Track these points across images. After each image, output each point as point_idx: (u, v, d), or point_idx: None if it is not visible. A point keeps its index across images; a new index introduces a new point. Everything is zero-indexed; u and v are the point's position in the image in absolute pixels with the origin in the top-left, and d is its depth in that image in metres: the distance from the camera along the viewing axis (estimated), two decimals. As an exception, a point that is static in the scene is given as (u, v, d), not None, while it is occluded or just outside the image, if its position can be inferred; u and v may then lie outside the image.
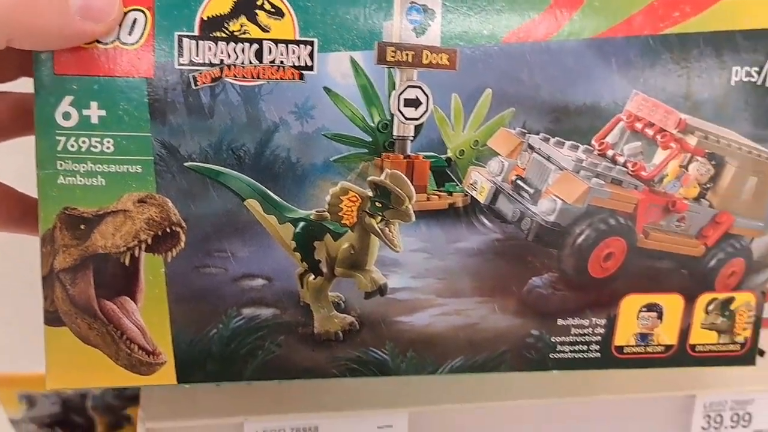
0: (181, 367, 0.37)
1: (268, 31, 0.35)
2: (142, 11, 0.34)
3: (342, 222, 0.38)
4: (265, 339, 0.38)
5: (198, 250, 0.37)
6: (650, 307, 0.42)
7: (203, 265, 0.37)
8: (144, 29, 0.34)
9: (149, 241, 0.36)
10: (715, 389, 0.45)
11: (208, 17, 0.35)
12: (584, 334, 0.42)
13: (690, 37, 0.38)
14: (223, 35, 0.35)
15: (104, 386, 0.39)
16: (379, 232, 0.38)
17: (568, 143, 0.39)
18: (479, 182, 0.39)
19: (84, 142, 0.35)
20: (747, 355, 0.44)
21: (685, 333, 0.43)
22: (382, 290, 0.39)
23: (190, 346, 0.38)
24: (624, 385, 0.47)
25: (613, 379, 0.48)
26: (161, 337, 0.37)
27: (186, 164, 0.36)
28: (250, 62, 0.35)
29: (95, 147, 0.35)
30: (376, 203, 0.38)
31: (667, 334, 0.42)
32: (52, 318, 0.37)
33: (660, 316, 0.42)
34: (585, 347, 0.42)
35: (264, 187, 0.36)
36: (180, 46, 0.34)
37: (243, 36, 0.35)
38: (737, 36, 0.39)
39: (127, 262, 0.36)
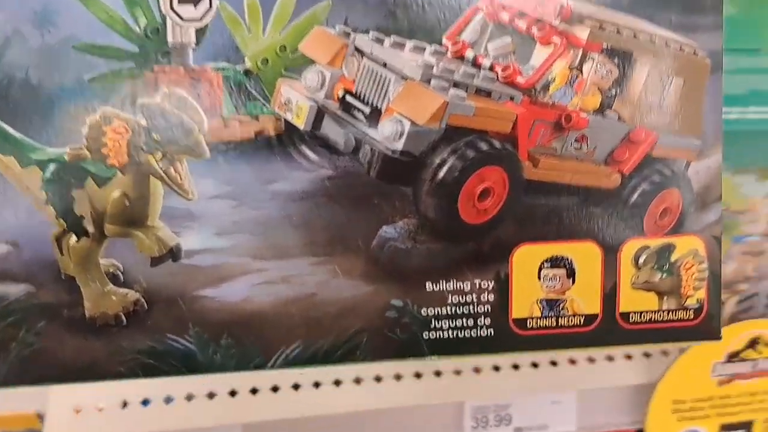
0: None
1: None
2: None
3: (108, 161, 0.29)
4: (18, 326, 0.29)
5: None
6: (555, 262, 0.31)
7: None
8: None
9: None
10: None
11: None
12: (466, 303, 0.31)
13: None
14: None
15: None
16: (161, 173, 0.29)
17: (410, 44, 0.29)
18: (294, 101, 0.29)
19: None
20: (705, 326, 0.32)
21: (611, 297, 0.31)
22: (174, 253, 0.30)
23: None
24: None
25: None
26: None
27: None
28: None
29: None
30: (153, 135, 0.28)
31: (584, 299, 0.31)
32: None
33: (571, 274, 0.31)
34: (471, 321, 0.31)
35: None
36: None
37: None
38: None
39: None
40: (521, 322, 0.31)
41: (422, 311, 0.31)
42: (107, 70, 0.28)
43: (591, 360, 0.42)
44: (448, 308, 0.31)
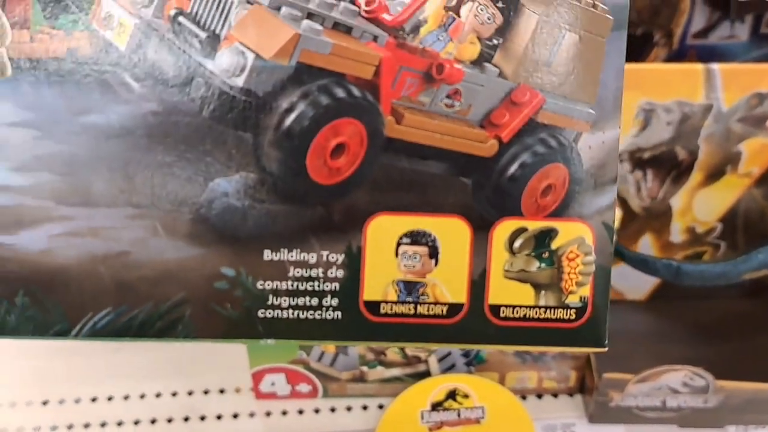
0: None
1: None
2: None
3: None
4: None
5: None
6: (416, 238, 0.27)
7: None
8: None
9: None
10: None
11: None
12: (312, 279, 0.26)
13: None
14: None
15: None
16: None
17: None
18: (116, 16, 0.25)
19: None
20: (588, 330, 0.27)
21: (479, 285, 0.27)
22: None
23: None
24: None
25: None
26: None
27: None
28: None
29: None
30: None
31: (448, 284, 0.27)
32: None
33: (434, 254, 0.26)
34: (315, 300, 0.27)
35: None
36: None
37: None
38: None
39: None
40: (374, 306, 0.27)
41: (258, 284, 0.27)
42: None
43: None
44: (289, 283, 0.27)
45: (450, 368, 0.45)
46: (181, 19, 0.28)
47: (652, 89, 0.39)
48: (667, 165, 0.43)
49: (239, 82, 0.27)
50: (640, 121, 0.40)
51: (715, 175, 0.42)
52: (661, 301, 0.49)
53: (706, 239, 0.46)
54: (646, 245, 0.46)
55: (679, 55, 0.43)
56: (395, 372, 0.46)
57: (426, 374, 0.46)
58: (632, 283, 0.49)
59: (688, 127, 0.41)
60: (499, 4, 0.29)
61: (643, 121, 0.40)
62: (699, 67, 0.40)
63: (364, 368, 0.45)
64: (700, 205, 0.44)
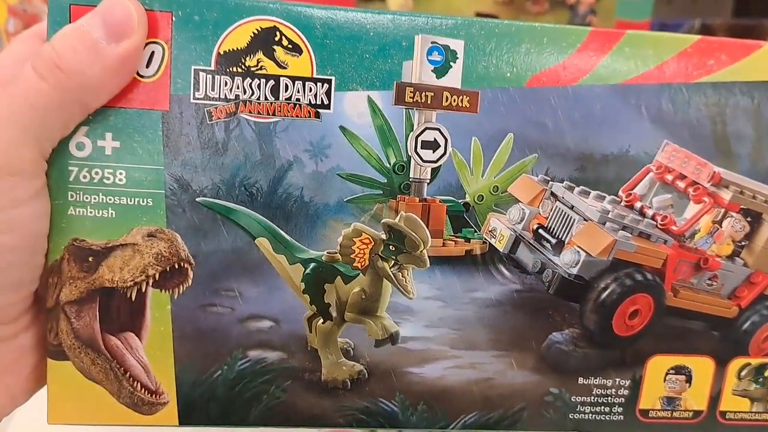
0: (184, 408, 0.37)
1: (285, 68, 0.34)
2: (160, 44, 0.34)
3: (354, 265, 0.35)
4: (270, 383, 0.36)
5: (205, 287, 0.35)
6: (678, 370, 0.38)
7: (210, 303, 0.35)
8: (161, 62, 0.34)
9: (157, 276, 0.35)
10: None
11: (224, 52, 0.33)
12: (606, 395, 0.38)
13: (725, 86, 0.36)
14: (240, 70, 0.34)
15: (105, 424, 0.36)
16: (392, 276, 0.35)
17: (593, 193, 0.36)
18: (498, 230, 0.36)
19: (97, 173, 0.34)
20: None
21: (715, 399, 0.39)
22: (393, 338, 0.36)
23: (194, 387, 0.36)
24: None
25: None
26: (165, 377, 0.36)
27: (198, 200, 0.35)
28: (266, 98, 0.34)
29: (107, 179, 0.34)
30: (390, 247, 0.36)
31: (695, 399, 0.39)
32: (55, 351, 0.36)
33: (689, 380, 0.38)
34: (607, 409, 0.38)
35: (275, 226, 0.35)
36: (196, 80, 0.34)
37: (259, 72, 0.34)
38: (777, 87, 0.35)
39: (133, 297, 0.35)
40: (644, 412, 0.39)
41: (572, 398, 0.39)
42: (362, 194, 0.36)
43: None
44: (592, 398, 0.38)
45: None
46: (540, 230, 0.39)
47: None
48: None
49: (575, 271, 0.39)
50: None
51: None
52: None
53: None
54: None
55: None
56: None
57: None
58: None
59: None
60: (748, 219, 0.40)
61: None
62: None
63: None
64: None
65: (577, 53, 0.38)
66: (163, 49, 0.35)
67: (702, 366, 0.42)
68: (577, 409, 0.41)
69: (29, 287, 0.36)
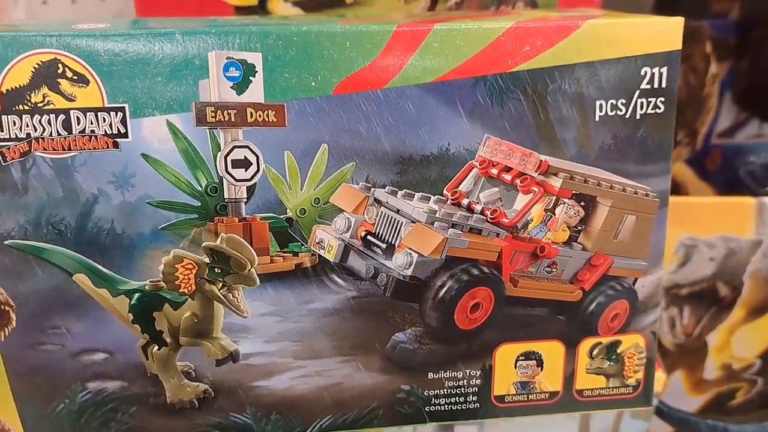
0: (30, 444, 0.35)
1: (73, 100, 0.33)
2: (-62, 89, 0.31)
3: (180, 291, 0.35)
4: (116, 411, 0.37)
5: (30, 327, 0.36)
6: (528, 356, 0.39)
7: (38, 342, 0.36)
8: (-58, 108, 0.31)
9: (-25, 323, 0.33)
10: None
11: (7, 90, 0.33)
12: (459, 386, 0.39)
13: (544, 72, 0.33)
14: (26, 108, 0.33)
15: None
16: (222, 298, 0.35)
17: (418, 194, 0.36)
18: (326, 240, 0.35)
19: None
20: (641, 397, 0.40)
21: (569, 379, 0.40)
22: (234, 357, 0.37)
23: (39, 422, 0.37)
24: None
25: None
26: (8, 414, 0.36)
27: (6, 243, 0.33)
28: (59, 134, 0.33)
29: None
30: (215, 269, 0.35)
31: (550, 381, 0.39)
32: None
33: (540, 364, 0.39)
34: (462, 399, 0.39)
35: (91, 261, 0.35)
36: (-18, 123, 0.31)
37: (47, 107, 0.33)
38: (598, 67, 0.33)
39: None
40: (500, 398, 0.39)
41: (424, 392, 0.39)
42: (177, 220, 0.35)
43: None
44: (445, 390, 0.38)
45: None
46: (368, 237, 0.38)
47: (695, 224, 0.41)
48: (707, 302, 0.45)
49: (408, 272, 0.38)
50: (679, 257, 0.46)
51: (758, 311, 0.41)
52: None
53: (743, 375, 0.44)
54: (677, 383, 0.46)
55: (702, 155, 0.47)
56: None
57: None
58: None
59: (733, 263, 0.42)
60: (582, 203, 0.39)
61: (683, 257, 0.45)
62: (750, 201, 0.37)
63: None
64: (740, 342, 0.42)
65: (382, 55, 0.35)
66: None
67: (551, 350, 0.41)
68: (432, 402, 0.41)
69: None
